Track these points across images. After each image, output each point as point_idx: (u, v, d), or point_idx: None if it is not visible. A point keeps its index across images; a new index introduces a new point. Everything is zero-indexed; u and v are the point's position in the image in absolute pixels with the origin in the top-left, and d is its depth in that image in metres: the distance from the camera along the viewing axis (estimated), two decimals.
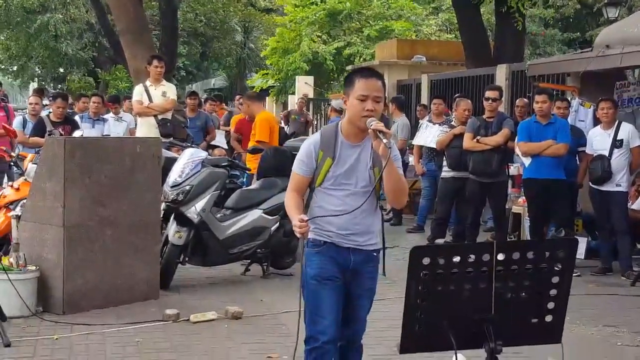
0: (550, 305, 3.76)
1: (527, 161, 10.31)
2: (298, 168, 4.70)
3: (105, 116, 13.81)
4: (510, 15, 17.36)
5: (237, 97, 18.02)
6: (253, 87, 31.88)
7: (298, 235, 4.45)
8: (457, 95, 14.25)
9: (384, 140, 4.35)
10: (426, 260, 3.60)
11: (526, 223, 11.12)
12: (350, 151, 4.62)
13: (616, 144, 9.98)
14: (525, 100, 12.81)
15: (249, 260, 9.53)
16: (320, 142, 4.65)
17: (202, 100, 16.82)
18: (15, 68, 37.63)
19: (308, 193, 4.71)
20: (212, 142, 13.94)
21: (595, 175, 10.04)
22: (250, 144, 11.18)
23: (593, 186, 10.18)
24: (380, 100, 4.56)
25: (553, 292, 3.74)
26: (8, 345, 6.42)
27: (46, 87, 32.31)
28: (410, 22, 29.84)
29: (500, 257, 3.63)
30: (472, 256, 3.64)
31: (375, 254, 4.73)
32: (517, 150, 10.66)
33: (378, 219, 4.77)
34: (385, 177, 4.49)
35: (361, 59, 27.27)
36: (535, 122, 10.21)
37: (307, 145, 4.70)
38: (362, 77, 4.58)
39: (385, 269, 4.84)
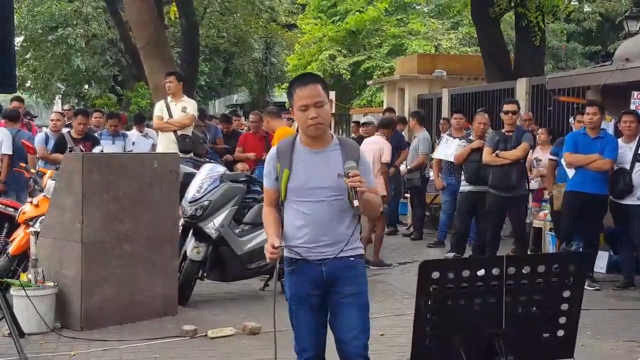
0: (562, 319, 3.74)
1: (570, 172, 10.20)
2: (265, 182, 4.69)
3: (131, 132, 13.88)
4: (529, 29, 17.34)
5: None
6: (283, 103, 31.92)
7: (268, 259, 4.44)
8: (479, 109, 14.25)
9: (355, 204, 4.31)
10: (435, 275, 3.59)
11: (547, 237, 11.02)
12: (313, 157, 4.53)
13: (638, 157, 9.86)
14: (530, 113, 13.31)
15: (268, 276, 9.52)
16: (277, 155, 4.60)
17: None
18: (39, 85, 37.74)
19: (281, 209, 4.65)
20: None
21: (616, 189, 9.94)
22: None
23: (614, 200, 10.09)
24: (323, 104, 4.43)
25: (564, 306, 3.71)
26: None
27: (71, 104, 32.32)
28: (427, 39, 29.77)
29: (511, 271, 3.60)
30: (482, 270, 3.62)
31: (353, 259, 4.55)
32: (562, 161, 10.50)
33: (352, 226, 4.56)
34: None
35: (380, 72, 27.25)
36: (584, 134, 10.10)
37: (267, 160, 4.69)
38: (299, 85, 4.47)
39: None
